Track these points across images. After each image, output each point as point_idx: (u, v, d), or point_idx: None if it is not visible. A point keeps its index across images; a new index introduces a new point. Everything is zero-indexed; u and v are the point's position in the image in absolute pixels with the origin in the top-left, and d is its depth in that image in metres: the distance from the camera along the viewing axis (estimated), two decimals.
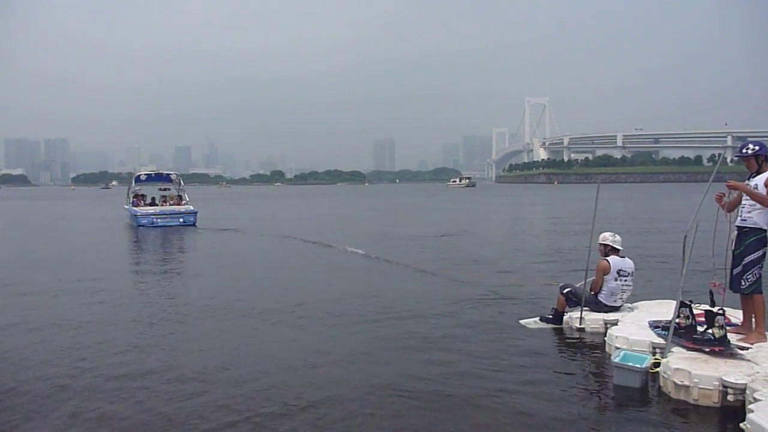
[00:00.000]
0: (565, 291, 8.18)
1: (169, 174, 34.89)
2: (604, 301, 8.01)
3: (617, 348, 6.58)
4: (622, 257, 8.11)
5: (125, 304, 10.16)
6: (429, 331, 8.03)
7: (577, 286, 8.22)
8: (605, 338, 7.15)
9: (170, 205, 30.85)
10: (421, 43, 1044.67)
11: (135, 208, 29.57)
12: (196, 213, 28.87)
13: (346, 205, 55.60)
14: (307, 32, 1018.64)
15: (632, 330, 6.92)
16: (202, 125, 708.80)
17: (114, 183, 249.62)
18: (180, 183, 33.69)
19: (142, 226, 27.34)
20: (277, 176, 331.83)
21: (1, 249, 20.49)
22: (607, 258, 8.07)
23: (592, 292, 8.05)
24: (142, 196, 32.51)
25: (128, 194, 32.60)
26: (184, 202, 31.68)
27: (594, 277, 8.06)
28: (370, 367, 6.61)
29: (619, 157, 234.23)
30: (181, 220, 28.28)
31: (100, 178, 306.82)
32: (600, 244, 8.27)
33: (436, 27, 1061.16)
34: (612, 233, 8.29)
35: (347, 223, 31.11)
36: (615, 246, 8.12)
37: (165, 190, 33.10)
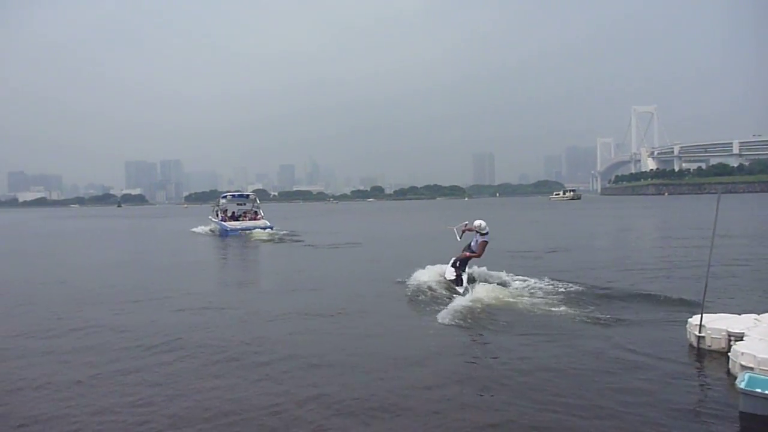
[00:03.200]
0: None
1: (248, 194, 44.96)
2: None
3: (743, 367, 6.03)
4: None
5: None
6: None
7: None
8: (729, 353, 6.68)
9: (249, 219, 38.79)
10: (520, 51, 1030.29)
11: (224, 222, 37.93)
12: (271, 227, 36.33)
13: (443, 219, 55.47)
14: (403, 54, 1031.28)
15: (761, 347, 6.26)
16: (305, 145, 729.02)
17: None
18: (256, 201, 42.76)
19: (228, 235, 35.42)
20: (376, 192, 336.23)
21: (139, 261, 22.37)
22: None
23: None
24: (225, 210, 41.02)
25: (215, 210, 42.13)
26: (259, 216, 39.61)
27: None
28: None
29: (735, 165, 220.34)
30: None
31: (210, 197, 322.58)
32: None
33: (535, 35, 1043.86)
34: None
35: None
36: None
37: (241, 205, 42.10)
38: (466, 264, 13.41)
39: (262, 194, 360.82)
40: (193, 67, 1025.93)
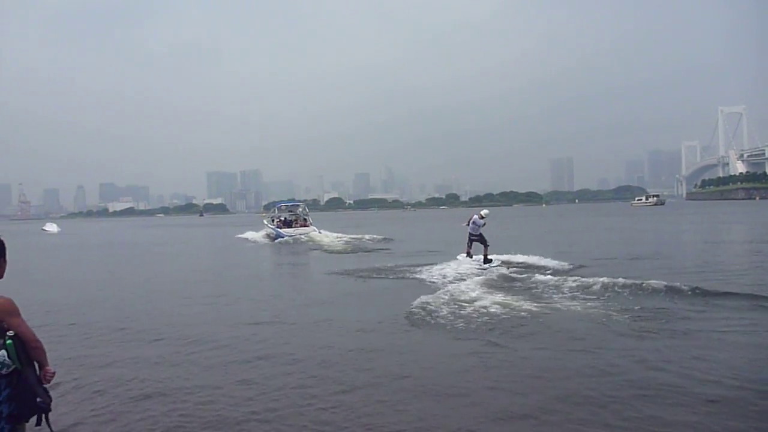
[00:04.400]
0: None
1: (298, 203, 54.54)
2: None
3: None
4: None
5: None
6: None
7: None
8: None
9: (300, 226, 44.79)
10: (596, 47, 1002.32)
11: (279, 229, 43.78)
12: (319, 232, 42.42)
13: (519, 227, 55.11)
14: (479, 58, 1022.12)
15: None
16: (380, 154, 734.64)
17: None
18: (305, 209, 50.06)
19: (283, 239, 40.98)
20: (451, 199, 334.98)
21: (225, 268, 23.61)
22: None
23: None
24: (280, 218, 47.66)
25: (271, 217, 49.86)
26: (308, 223, 45.71)
27: None
28: None
29: None
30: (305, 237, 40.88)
31: None
32: None
33: (611, 31, 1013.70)
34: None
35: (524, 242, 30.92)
36: None
37: (292, 212, 48.68)
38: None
39: (338, 202, 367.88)
40: (273, 85, 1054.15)
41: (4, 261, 4.13)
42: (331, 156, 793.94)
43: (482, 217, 20.42)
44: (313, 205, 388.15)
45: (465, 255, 20.65)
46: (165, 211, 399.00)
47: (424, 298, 13.22)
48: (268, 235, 45.48)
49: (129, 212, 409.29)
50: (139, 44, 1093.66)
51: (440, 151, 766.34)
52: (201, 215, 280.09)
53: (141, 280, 20.28)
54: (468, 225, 20.58)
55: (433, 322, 11.15)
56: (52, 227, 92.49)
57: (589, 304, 12.30)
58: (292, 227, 44.66)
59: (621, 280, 14.37)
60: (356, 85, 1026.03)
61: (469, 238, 20.48)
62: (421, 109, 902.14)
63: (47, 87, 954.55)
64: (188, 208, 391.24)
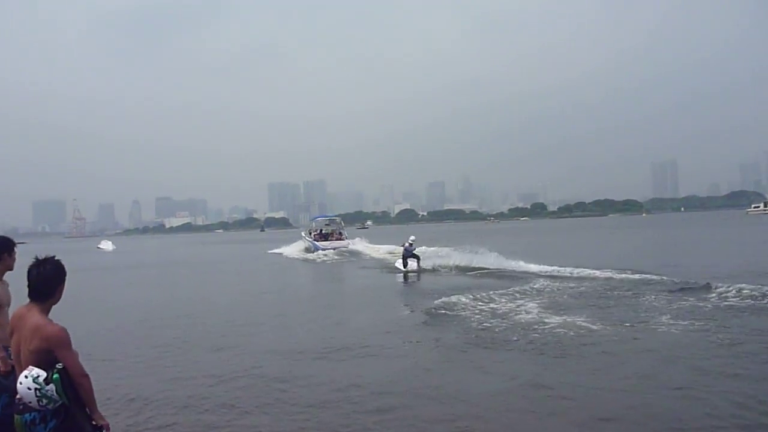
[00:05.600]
0: None
1: (335, 217, 61.48)
2: None
3: None
4: None
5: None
6: None
7: None
8: None
9: (335, 239, 50.30)
10: (702, 45, 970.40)
11: (317, 242, 49.49)
12: (347, 246, 48.05)
13: (617, 239, 53.86)
14: (577, 64, 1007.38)
15: None
16: (456, 160, 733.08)
17: (369, 223, 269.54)
18: (341, 223, 57.43)
19: (318, 250, 46.90)
20: (538, 209, 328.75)
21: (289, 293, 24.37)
22: None
23: None
24: (318, 231, 53.36)
25: (309, 230, 56.35)
26: (343, 237, 51.46)
27: None
28: None
29: None
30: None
31: (356, 218, 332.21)
32: None
33: (728, 26, 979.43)
34: None
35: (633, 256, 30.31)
36: None
37: (328, 226, 55.17)
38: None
39: (410, 215, 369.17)
40: (333, 83, 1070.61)
41: (63, 285, 4.26)
42: (402, 161, 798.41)
43: (411, 244, 30.28)
44: (383, 217, 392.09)
45: (401, 263, 30.48)
46: (224, 226, 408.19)
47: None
48: (306, 249, 51.46)
49: (186, 228, 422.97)
50: (194, 52, 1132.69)
51: (525, 158, 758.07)
52: (262, 230, 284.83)
53: (199, 310, 20.74)
54: (403, 248, 30.68)
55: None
56: (107, 245, 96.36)
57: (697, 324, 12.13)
58: (328, 240, 50.59)
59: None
60: (426, 80, 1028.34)
61: (404, 256, 30.27)
62: (504, 118, 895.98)
63: (98, 100, 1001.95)
64: (248, 223, 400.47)
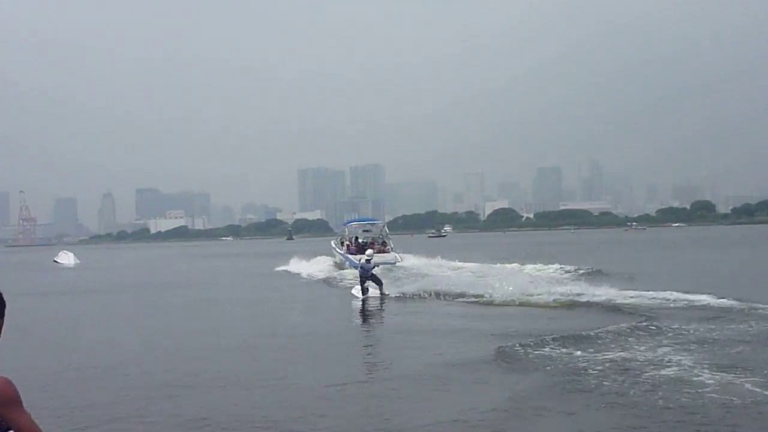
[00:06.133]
0: None
1: (376, 221, 64.68)
2: None
3: None
4: None
5: None
6: None
7: None
8: None
9: (376, 251, 47.21)
10: None
11: (350, 256, 49.48)
12: (394, 262, 48.65)
13: None
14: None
15: None
16: (577, 136, 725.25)
17: (447, 228, 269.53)
18: (384, 229, 59.54)
19: (354, 267, 45.63)
20: (703, 211, 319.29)
21: None
22: None
23: None
24: (353, 239, 54.89)
25: (340, 239, 59.08)
26: (387, 248, 52.73)
27: None
28: None
29: None
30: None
31: (427, 222, 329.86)
32: None
33: None
34: None
35: None
36: None
37: (368, 231, 58.14)
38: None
39: (508, 217, 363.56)
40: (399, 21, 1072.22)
41: (1, 322, 4.17)
42: (498, 141, 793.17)
43: (368, 260, 33.18)
44: (468, 220, 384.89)
45: (358, 290, 33.19)
46: (234, 231, 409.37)
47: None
48: (336, 264, 54.51)
49: (180, 233, 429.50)
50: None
51: (683, 139, 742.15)
52: (290, 238, 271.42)
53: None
54: (359, 267, 33.70)
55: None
56: (67, 258, 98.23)
57: None
58: (365, 252, 48.85)
59: None
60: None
61: (360, 278, 33.04)
62: (656, 79, 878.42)
63: (53, 46, 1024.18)
64: (270, 227, 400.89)
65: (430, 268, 49.63)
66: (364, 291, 32.16)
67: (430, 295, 31.81)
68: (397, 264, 49.00)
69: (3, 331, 4.22)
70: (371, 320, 29.26)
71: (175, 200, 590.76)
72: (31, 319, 29.30)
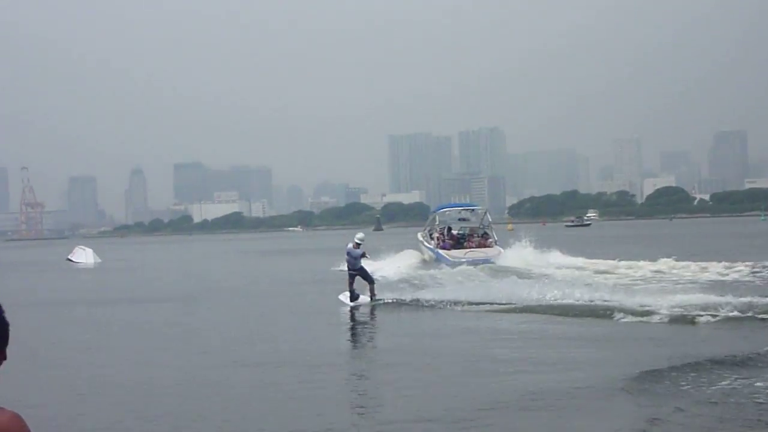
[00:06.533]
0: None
1: (474, 207, 66.84)
2: None
3: None
4: None
5: None
6: None
7: None
8: None
9: (475, 245, 54.64)
10: None
11: (442, 252, 53.48)
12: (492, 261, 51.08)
13: None
14: None
15: None
16: None
17: (591, 214, 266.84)
18: (485, 216, 60.92)
19: (448, 265, 50.40)
20: None
21: None
22: None
23: None
24: (445, 230, 58.26)
25: (428, 230, 62.17)
26: (490, 241, 55.66)
27: None
28: None
29: None
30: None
31: (565, 205, 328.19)
32: None
33: None
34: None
35: None
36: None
37: (464, 220, 61.09)
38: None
39: (678, 197, 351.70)
40: None
41: (5, 345, 4.22)
42: (660, 100, 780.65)
43: (358, 245, 33.43)
44: (619, 203, 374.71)
45: (347, 294, 33.86)
46: (304, 218, 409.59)
47: None
48: (423, 260, 58.03)
49: (232, 221, 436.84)
50: None
51: None
52: (378, 228, 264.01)
53: None
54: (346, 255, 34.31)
55: None
56: (85, 255, 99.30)
57: None
58: (463, 247, 55.04)
59: None
60: None
61: (348, 273, 33.71)
62: None
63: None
64: (352, 213, 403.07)
65: (539, 265, 50.56)
66: (354, 296, 32.87)
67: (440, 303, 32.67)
68: (500, 261, 50.97)
69: (9, 356, 4.32)
70: (366, 341, 29.78)
71: (226, 178, 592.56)
72: (39, 339, 29.99)
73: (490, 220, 61.22)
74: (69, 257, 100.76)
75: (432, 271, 49.19)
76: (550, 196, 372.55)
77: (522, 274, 45.05)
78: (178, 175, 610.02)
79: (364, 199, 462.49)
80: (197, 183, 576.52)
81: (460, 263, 49.97)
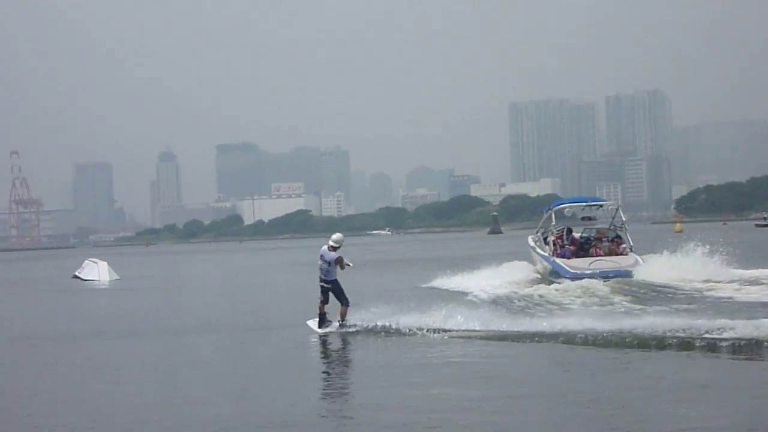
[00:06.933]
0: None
1: (601, 202, 67.66)
2: None
3: None
4: None
5: None
6: None
7: None
8: None
9: (605, 249, 56.04)
10: None
11: (560, 261, 54.78)
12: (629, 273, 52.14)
13: None
14: None
15: None
16: None
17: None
18: (617, 214, 61.45)
19: (570, 280, 51.52)
20: None
21: None
22: None
23: None
24: (564, 233, 59.43)
25: (539, 231, 64.95)
26: (622, 247, 56.93)
27: None
28: None
29: None
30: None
31: (755, 199, 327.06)
32: None
33: None
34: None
35: None
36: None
37: (589, 219, 64.56)
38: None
39: None
40: None
41: None
42: None
43: (333, 248, 34.71)
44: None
45: (316, 320, 35.88)
46: (394, 218, 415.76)
47: None
48: (537, 272, 60.41)
49: (297, 222, 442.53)
50: None
51: None
52: (495, 230, 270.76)
53: None
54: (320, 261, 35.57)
55: None
56: (99, 270, 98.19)
57: None
58: (589, 254, 56.41)
59: None
60: None
61: (320, 286, 34.87)
62: None
63: None
64: (459, 210, 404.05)
65: (693, 280, 50.12)
66: (322, 319, 34.74)
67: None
68: (636, 274, 51.32)
69: None
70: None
71: (287, 165, 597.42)
72: (32, 387, 28.37)
73: (624, 219, 60.40)
74: (76, 273, 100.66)
75: (542, 289, 50.36)
76: (733, 184, 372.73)
77: (676, 294, 45.80)
78: (222, 160, 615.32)
79: (476, 191, 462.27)
80: (249, 171, 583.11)
81: (584, 275, 50.61)
